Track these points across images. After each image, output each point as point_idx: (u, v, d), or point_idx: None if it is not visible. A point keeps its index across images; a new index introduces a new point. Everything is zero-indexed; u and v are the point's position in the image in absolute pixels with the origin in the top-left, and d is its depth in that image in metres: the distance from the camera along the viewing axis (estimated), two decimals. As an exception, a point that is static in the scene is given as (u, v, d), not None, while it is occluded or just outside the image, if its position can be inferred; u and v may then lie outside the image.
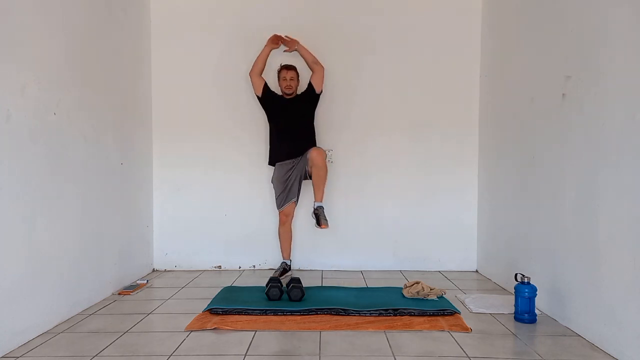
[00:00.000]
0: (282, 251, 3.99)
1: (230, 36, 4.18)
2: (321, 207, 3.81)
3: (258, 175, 4.18)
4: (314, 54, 3.97)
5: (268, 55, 3.99)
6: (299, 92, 4.01)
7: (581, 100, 2.56)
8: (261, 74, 3.99)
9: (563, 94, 2.73)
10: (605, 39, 2.38)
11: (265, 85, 3.98)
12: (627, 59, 2.21)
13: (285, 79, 3.89)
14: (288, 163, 3.90)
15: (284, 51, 4.07)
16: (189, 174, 4.19)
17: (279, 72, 3.95)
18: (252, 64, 3.97)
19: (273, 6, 4.18)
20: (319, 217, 3.75)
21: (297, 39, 4.00)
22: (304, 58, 4.01)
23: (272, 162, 3.99)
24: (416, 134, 4.17)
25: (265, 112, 4.02)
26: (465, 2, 4.14)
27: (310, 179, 3.84)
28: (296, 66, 3.96)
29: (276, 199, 3.95)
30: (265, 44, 3.97)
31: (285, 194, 3.89)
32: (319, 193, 3.82)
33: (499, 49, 3.76)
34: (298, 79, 3.96)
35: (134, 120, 3.82)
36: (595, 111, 2.43)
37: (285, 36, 4.02)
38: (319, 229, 3.86)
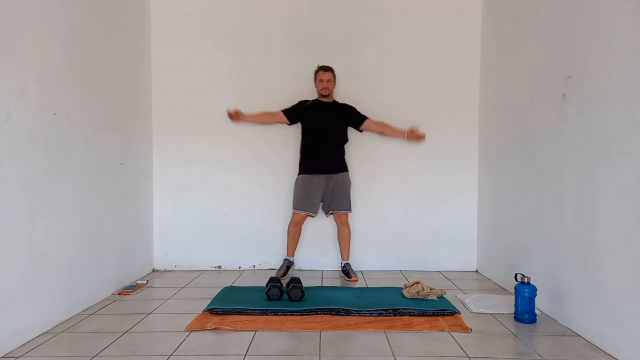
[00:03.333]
0: (287, 248, 3.97)
1: (230, 36, 4.17)
2: (348, 264, 3.94)
3: (258, 175, 4.19)
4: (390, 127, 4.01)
5: (251, 115, 3.99)
6: (337, 98, 4.01)
7: (581, 100, 2.56)
8: (271, 114, 3.99)
9: (563, 94, 2.73)
10: (605, 40, 2.38)
11: (285, 112, 3.96)
12: (627, 59, 2.21)
13: (322, 81, 3.89)
14: (316, 177, 3.86)
15: (406, 137, 4.01)
16: (189, 174, 4.19)
17: (316, 73, 3.93)
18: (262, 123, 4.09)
19: (273, 6, 4.18)
20: (349, 274, 3.84)
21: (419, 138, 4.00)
22: (393, 131, 4.00)
23: (301, 172, 3.94)
24: (416, 134, 4.17)
25: (301, 124, 4.00)
26: (465, 2, 4.14)
27: (328, 215, 3.98)
28: (333, 68, 3.94)
29: (295, 199, 3.91)
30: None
31: (305, 202, 3.86)
32: (345, 253, 3.98)
33: (499, 49, 3.76)
34: (335, 81, 3.95)
35: (134, 120, 3.82)
36: (595, 111, 2.43)
37: (419, 135, 3.99)
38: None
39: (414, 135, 3.99)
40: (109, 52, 3.39)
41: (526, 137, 3.21)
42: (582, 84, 2.56)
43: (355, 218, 4.13)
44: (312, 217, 3.96)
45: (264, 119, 4.03)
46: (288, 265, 3.93)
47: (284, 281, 3.37)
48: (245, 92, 4.15)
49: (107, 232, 3.32)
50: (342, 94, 4.10)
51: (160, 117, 4.17)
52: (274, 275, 3.73)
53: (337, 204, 3.90)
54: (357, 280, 3.78)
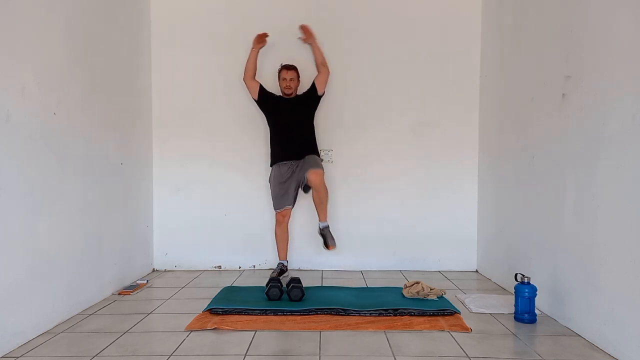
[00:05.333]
0: (278, 252, 3.97)
1: (230, 36, 4.17)
2: (326, 227, 3.84)
3: (258, 175, 4.18)
4: (324, 56, 3.97)
5: (257, 57, 3.98)
6: (300, 92, 4.01)
7: (581, 100, 2.56)
8: (254, 76, 3.98)
9: (563, 94, 2.73)
10: (605, 39, 2.38)
11: (261, 87, 3.96)
12: (627, 59, 2.21)
13: (285, 79, 3.88)
14: (286, 164, 3.87)
15: (298, 38, 4.00)
16: (189, 174, 4.19)
17: (279, 71, 3.94)
18: (244, 69, 3.97)
19: (273, 6, 4.18)
20: (326, 238, 3.79)
21: (314, 34, 3.98)
22: (314, 55, 4.00)
23: (271, 164, 3.97)
24: (416, 134, 4.17)
25: (264, 114, 4.02)
26: (465, 3, 4.14)
27: (306, 192, 3.90)
28: (297, 67, 3.95)
29: (273, 199, 3.93)
30: (252, 46, 3.96)
31: (282, 197, 3.86)
32: (322, 213, 3.83)
33: (499, 49, 3.76)
34: (298, 80, 3.95)
35: (134, 120, 3.82)
36: (595, 111, 2.43)
37: (303, 26, 3.98)
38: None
39: (306, 35, 3.96)
40: (109, 52, 3.39)
41: (526, 137, 3.21)
42: (582, 84, 2.56)
43: (355, 218, 4.13)
44: (291, 208, 3.89)
45: (252, 67, 3.96)
46: (282, 269, 3.89)
47: (284, 281, 3.36)
48: (245, 92, 4.15)
49: (107, 232, 3.32)
50: (341, 94, 4.11)
51: (160, 117, 4.17)
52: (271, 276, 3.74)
53: (305, 168, 3.74)
54: (335, 248, 3.77)
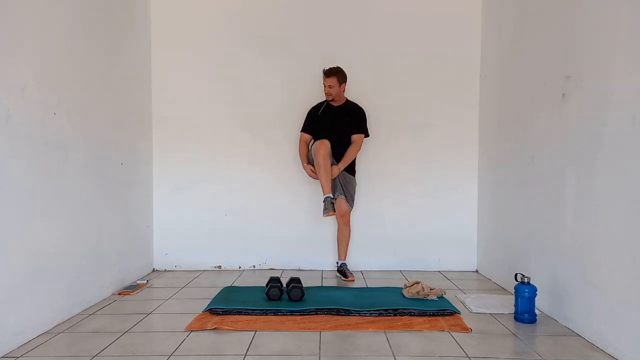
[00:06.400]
0: (322, 185, 3.76)
1: (231, 36, 4.18)
2: (345, 264, 3.93)
3: (258, 175, 4.18)
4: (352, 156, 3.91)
5: (305, 156, 3.96)
6: (347, 101, 3.99)
7: (581, 100, 2.56)
8: (305, 145, 3.96)
9: (563, 94, 2.73)
10: (605, 39, 2.38)
11: (305, 131, 3.96)
12: (627, 59, 2.21)
13: (325, 86, 3.86)
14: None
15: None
16: (189, 174, 4.19)
17: (322, 77, 3.88)
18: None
19: (274, 7, 4.18)
20: (345, 273, 3.85)
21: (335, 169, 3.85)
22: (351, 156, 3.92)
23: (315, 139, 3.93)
24: (416, 134, 4.17)
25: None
26: (465, 3, 4.14)
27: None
28: (341, 68, 3.87)
29: (313, 145, 3.87)
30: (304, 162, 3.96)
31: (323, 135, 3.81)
32: (343, 252, 3.97)
33: (499, 49, 3.76)
34: (340, 85, 3.87)
35: (134, 120, 3.82)
36: (595, 111, 2.43)
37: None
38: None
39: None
40: (109, 52, 3.39)
41: (526, 137, 3.21)
42: (582, 84, 2.56)
43: (355, 218, 4.12)
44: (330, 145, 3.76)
45: (305, 151, 3.97)
46: (332, 201, 3.77)
47: (284, 281, 3.35)
48: (245, 92, 4.15)
49: (107, 232, 3.32)
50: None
51: (160, 117, 4.17)
52: (273, 274, 3.74)
53: (340, 191, 3.85)
54: (354, 280, 3.77)
